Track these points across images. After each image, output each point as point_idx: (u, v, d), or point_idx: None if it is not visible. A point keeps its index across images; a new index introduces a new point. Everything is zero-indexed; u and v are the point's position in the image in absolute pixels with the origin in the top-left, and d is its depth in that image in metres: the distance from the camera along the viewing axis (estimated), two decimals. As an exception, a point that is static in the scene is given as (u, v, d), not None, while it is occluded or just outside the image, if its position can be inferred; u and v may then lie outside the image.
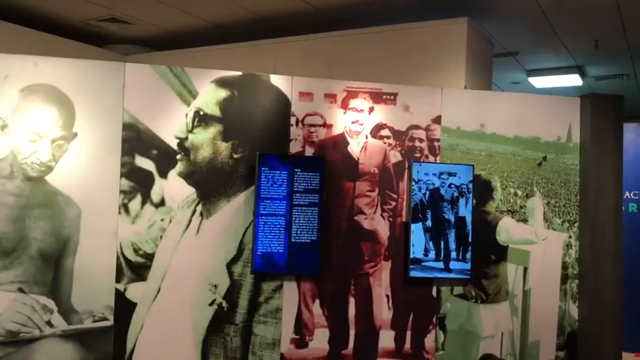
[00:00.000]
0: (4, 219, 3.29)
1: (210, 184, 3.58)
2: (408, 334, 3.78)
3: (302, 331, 3.67)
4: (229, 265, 3.56)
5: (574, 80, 7.26)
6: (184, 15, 5.71)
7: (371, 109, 3.81)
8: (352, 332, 3.72)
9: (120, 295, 3.44)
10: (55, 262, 3.37)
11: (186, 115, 3.55)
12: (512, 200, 3.96)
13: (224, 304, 3.54)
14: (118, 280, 3.44)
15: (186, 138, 3.55)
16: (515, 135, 4.01)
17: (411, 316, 3.80)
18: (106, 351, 3.42)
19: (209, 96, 3.60)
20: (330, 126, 3.77)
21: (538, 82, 7.43)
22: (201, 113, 3.57)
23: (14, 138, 3.33)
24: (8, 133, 3.32)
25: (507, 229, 3.93)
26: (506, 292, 3.91)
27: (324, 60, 5.40)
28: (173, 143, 3.53)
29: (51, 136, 3.37)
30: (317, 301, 3.70)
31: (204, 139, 3.57)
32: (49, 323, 3.34)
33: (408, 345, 3.78)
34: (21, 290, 3.30)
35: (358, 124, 3.79)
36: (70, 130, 3.40)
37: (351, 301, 3.73)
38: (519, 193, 3.98)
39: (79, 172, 3.40)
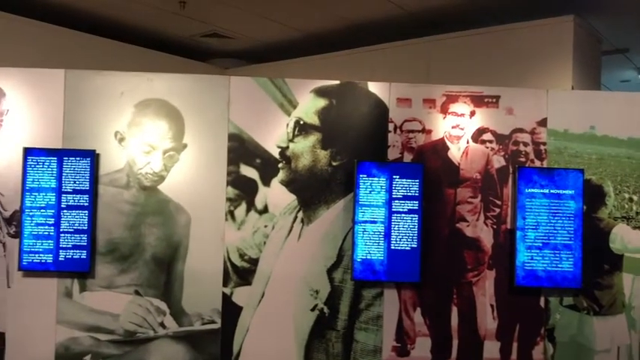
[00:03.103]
0: (122, 226, 3.53)
1: (311, 192, 3.64)
2: (515, 345, 3.65)
3: (403, 339, 3.63)
4: (330, 271, 3.60)
5: (692, 76, 6.73)
6: (281, 27, 5.88)
7: (472, 113, 3.72)
8: (455, 342, 3.64)
9: (227, 299, 3.57)
10: (167, 266, 3.56)
11: (287, 125, 3.64)
12: (626, 206, 3.72)
13: (325, 310, 3.58)
14: (225, 284, 3.57)
15: (288, 147, 3.64)
16: (630, 137, 3.76)
17: (518, 326, 3.65)
18: (213, 353, 3.56)
19: (308, 105, 3.67)
20: (429, 131, 3.72)
21: (651, 79, 6.95)
22: (302, 122, 3.64)
23: (130, 150, 3.56)
24: (125, 146, 3.56)
25: (622, 237, 3.68)
26: (622, 304, 3.67)
27: (421, 65, 5.35)
28: (275, 152, 3.63)
29: (163, 148, 3.57)
30: (418, 309, 3.65)
31: (305, 147, 3.64)
32: (162, 324, 3.53)
33: (514, 356, 3.64)
34: (137, 293, 3.52)
35: (459, 128, 3.71)
36: (180, 141, 3.59)
37: (454, 310, 3.65)
38: (635, 198, 3.72)
39: (189, 181, 3.58)
